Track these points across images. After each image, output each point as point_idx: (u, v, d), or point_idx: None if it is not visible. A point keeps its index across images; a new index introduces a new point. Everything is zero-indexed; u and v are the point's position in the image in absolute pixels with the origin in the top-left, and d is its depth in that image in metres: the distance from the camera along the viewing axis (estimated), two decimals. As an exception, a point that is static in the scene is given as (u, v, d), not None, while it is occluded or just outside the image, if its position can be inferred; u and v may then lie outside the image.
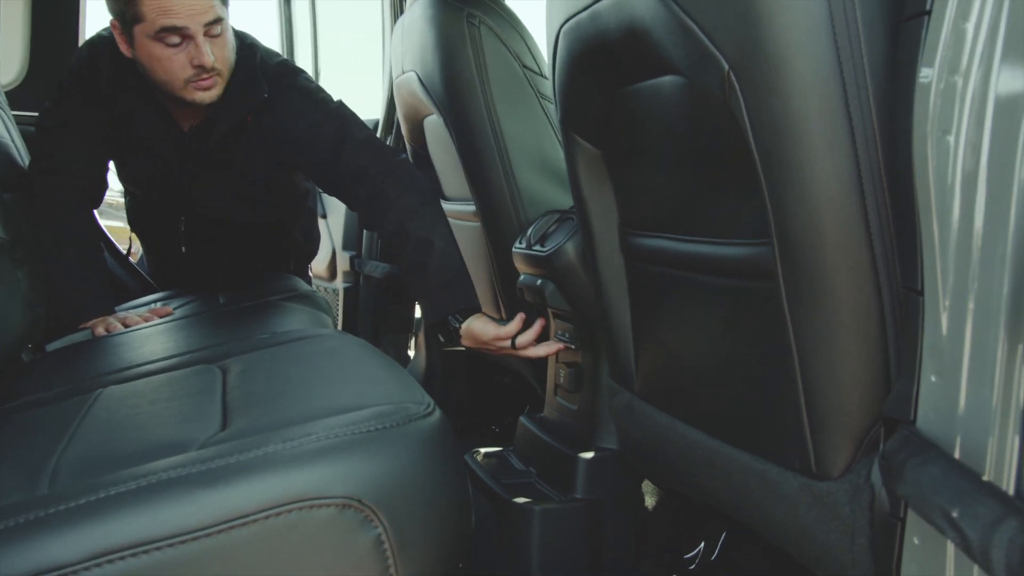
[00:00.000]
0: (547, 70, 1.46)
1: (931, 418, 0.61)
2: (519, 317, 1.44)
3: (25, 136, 1.92)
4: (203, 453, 0.76)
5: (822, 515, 0.78)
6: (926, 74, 0.59)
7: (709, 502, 1.04)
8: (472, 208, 1.67)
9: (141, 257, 2.38)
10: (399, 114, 1.95)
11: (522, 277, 1.46)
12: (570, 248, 1.30)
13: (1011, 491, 0.52)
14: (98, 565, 0.66)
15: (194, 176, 1.65)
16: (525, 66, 1.54)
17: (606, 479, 1.34)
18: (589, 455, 1.34)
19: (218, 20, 1.42)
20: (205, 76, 1.45)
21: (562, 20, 1.04)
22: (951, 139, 0.56)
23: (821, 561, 0.81)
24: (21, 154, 1.84)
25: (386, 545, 0.73)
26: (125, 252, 2.39)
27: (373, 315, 2.53)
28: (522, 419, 1.56)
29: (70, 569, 0.66)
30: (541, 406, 1.57)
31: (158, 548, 0.67)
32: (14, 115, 1.97)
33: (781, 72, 0.68)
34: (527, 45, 1.56)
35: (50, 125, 1.61)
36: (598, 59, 0.99)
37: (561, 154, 1.28)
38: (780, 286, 0.76)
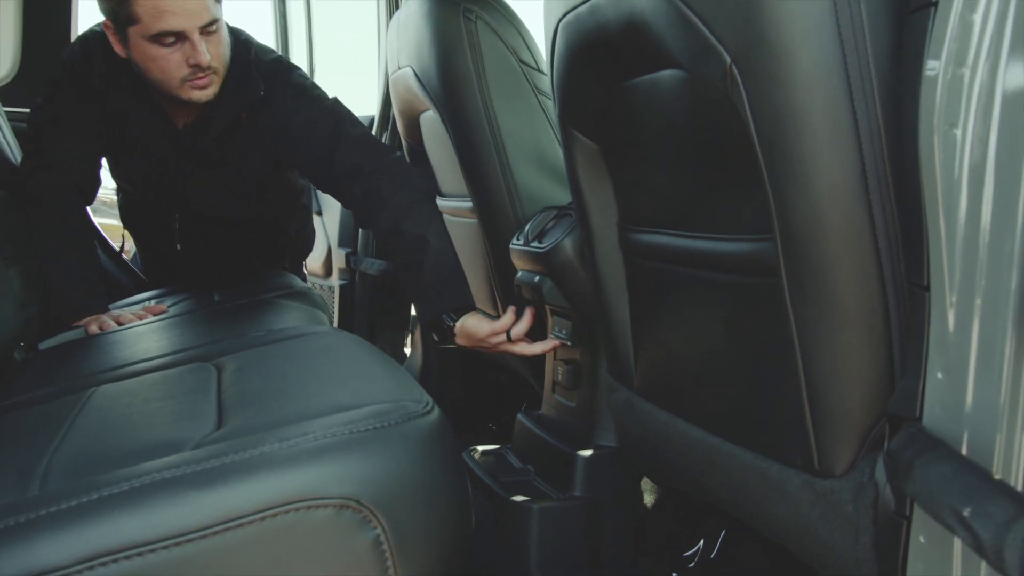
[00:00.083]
0: (544, 65, 1.45)
1: (938, 415, 0.61)
2: (510, 310, 1.44)
3: (17, 133, 1.90)
4: (198, 453, 0.75)
5: (825, 513, 0.78)
6: (932, 67, 0.58)
7: (709, 500, 1.03)
8: (469, 204, 1.65)
9: (134, 254, 2.37)
10: (395, 110, 1.94)
11: (520, 274, 1.45)
12: (568, 244, 1.30)
13: (1021, 488, 0.51)
14: (91, 568, 0.65)
15: (189, 173, 1.63)
16: (522, 61, 1.53)
17: (605, 477, 1.33)
18: (588, 453, 1.34)
19: (214, 20, 1.41)
20: (201, 75, 1.44)
21: (561, 14, 1.03)
22: (958, 132, 0.56)
23: (824, 559, 0.80)
24: (13, 151, 1.82)
25: (385, 546, 0.72)
26: (118, 249, 2.38)
27: (369, 312, 2.52)
28: (520, 416, 1.55)
29: (62, 572, 0.65)
30: (539, 403, 1.56)
31: (152, 550, 0.66)
32: (6, 111, 1.95)
33: (784, 64, 0.68)
34: (524, 40, 1.55)
35: (42, 121, 1.60)
36: (597, 53, 0.98)
37: (558, 150, 1.27)
38: (782, 281, 0.76)
